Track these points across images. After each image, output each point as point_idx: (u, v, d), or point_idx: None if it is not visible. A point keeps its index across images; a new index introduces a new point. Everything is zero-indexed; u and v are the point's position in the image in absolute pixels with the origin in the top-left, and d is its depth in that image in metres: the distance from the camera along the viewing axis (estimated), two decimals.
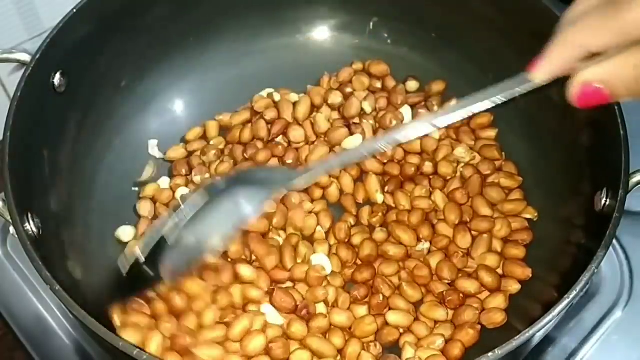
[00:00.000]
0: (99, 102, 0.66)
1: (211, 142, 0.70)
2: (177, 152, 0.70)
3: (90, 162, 0.65)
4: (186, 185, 0.67)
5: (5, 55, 0.57)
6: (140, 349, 0.44)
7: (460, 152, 0.67)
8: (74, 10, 0.60)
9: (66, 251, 0.58)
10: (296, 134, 0.69)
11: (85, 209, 0.63)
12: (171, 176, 0.68)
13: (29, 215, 0.52)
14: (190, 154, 0.70)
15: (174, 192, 0.67)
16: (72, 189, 0.62)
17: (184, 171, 0.68)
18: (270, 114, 0.70)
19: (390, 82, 0.73)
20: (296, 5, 0.74)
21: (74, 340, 0.62)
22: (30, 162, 0.56)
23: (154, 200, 0.66)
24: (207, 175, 0.67)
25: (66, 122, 0.62)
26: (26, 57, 0.57)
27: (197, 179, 0.67)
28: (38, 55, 0.57)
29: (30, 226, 0.51)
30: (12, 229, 0.50)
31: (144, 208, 0.65)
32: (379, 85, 0.73)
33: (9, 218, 0.50)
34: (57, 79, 0.59)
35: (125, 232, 0.64)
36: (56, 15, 0.59)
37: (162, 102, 0.72)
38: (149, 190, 0.67)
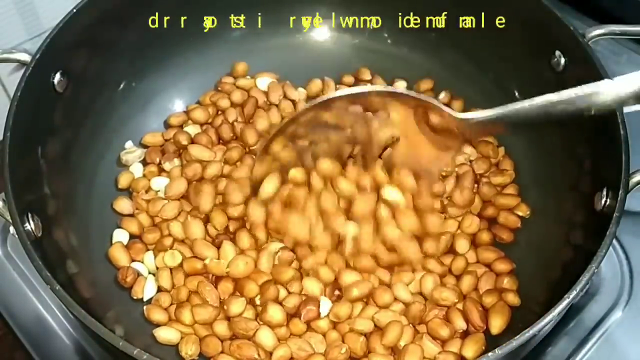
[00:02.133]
0: (99, 102, 0.66)
1: (189, 123, 0.70)
2: (154, 138, 0.70)
3: (90, 161, 0.65)
4: (159, 174, 0.67)
5: (5, 55, 0.57)
6: (140, 349, 0.44)
7: (460, 160, 0.67)
8: (74, 10, 0.60)
9: (66, 251, 0.58)
10: (262, 120, 0.69)
11: (85, 208, 0.63)
12: (145, 163, 0.68)
13: (29, 215, 0.52)
14: (166, 141, 0.69)
15: (149, 180, 0.66)
16: (72, 189, 0.62)
17: (157, 159, 0.68)
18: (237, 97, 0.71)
19: (378, 80, 0.73)
20: (296, 6, 0.75)
21: (74, 340, 0.62)
22: (30, 162, 0.56)
23: (130, 190, 0.66)
24: (177, 163, 0.67)
25: (66, 122, 0.62)
26: (26, 57, 0.57)
27: (167, 166, 0.67)
28: (38, 55, 0.57)
29: (30, 226, 0.51)
30: (12, 229, 0.50)
31: (123, 205, 0.65)
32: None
33: (9, 218, 0.50)
34: (57, 79, 0.59)
35: (119, 235, 0.64)
36: (56, 15, 0.59)
37: (162, 102, 0.72)
38: (124, 180, 0.66)
